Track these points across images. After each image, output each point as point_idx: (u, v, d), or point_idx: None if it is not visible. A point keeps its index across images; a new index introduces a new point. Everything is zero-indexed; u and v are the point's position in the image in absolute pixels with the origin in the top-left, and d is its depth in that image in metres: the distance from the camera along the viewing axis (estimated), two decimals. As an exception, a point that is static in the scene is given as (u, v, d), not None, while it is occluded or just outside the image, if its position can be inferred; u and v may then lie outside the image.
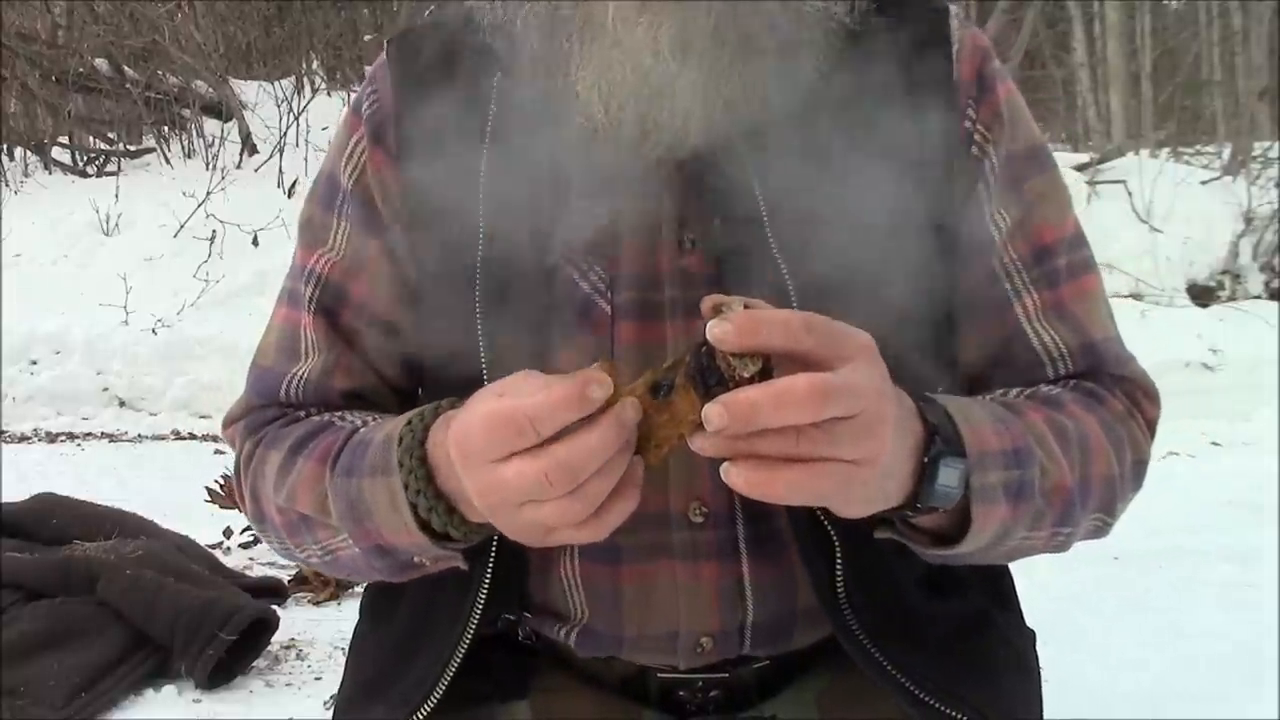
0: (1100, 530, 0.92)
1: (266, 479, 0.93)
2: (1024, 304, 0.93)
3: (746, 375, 0.65)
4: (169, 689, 2.45)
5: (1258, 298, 6.22)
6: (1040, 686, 0.98)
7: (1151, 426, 0.97)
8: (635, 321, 0.88)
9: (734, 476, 0.66)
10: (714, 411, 0.64)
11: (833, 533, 0.86)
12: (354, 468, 0.85)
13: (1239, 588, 2.94)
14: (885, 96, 0.89)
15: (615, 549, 0.88)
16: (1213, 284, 6.30)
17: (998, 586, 1.00)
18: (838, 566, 0.86)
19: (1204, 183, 6.86)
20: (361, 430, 0.89)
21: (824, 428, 0.66)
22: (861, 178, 0.86)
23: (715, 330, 0.65)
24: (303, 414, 0.97)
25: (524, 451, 0.69)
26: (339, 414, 0.96)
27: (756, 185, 0.87)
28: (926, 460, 0.76)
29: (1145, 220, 6.38)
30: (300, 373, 0.97)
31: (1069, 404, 0.91)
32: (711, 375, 0.65)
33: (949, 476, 0.76)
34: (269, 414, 0.99)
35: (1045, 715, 0.97)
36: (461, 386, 0.84)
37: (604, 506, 0.71)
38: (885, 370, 0.71)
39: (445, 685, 0.90)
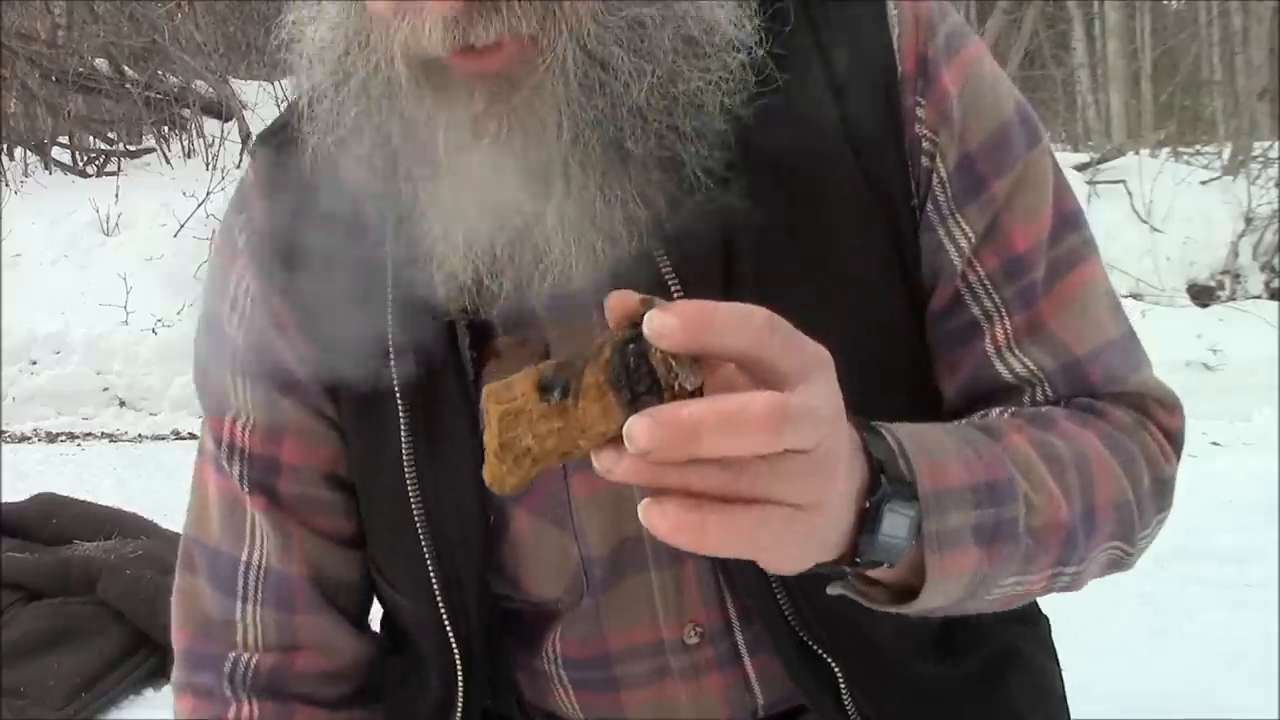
0: (1120, 563, 0.82)
1: None
2: (994, 333, 0.80)
3: (689, 387, 0.51)
4: (169, 689, 2.45)
5: (1258, 298, 6.21)
6: (1067, 709, 0.93)
7: (1172, 437, 0.85)
8: None
9: (654, 517, 0.51)
10: (642, 427, 0.49)
11: (832, 662, 0.80)
12: None
13: (1239, 588, 2.94)
14: (819, 126, 0.76)
15: (613, 679, 0.85)
16: (1213, 284, 6.30)
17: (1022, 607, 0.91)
18: (842, 690, 0.80)
19: (1204, 183, 6.85)
20: None
21: (770, 460, 0.52)
22: (807, 224, 0.76)
23: (656, 322, 0.50)
24: None
25: None
26: None
27: (671, 255, 0.75)
28: (868, 505, 0.62)
29: (1145, 220, 6.37)
30: (255, 561, 0.88)
31: (1060, 420, 0.79)
32: (640, 380, 0.51)
33: (895, 525, 0.63)
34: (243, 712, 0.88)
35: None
36: (394, 525, 0.80)
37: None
38: (840, 393, 0.57)
39: None
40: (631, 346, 0.51)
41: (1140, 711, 2.23)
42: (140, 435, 5.12)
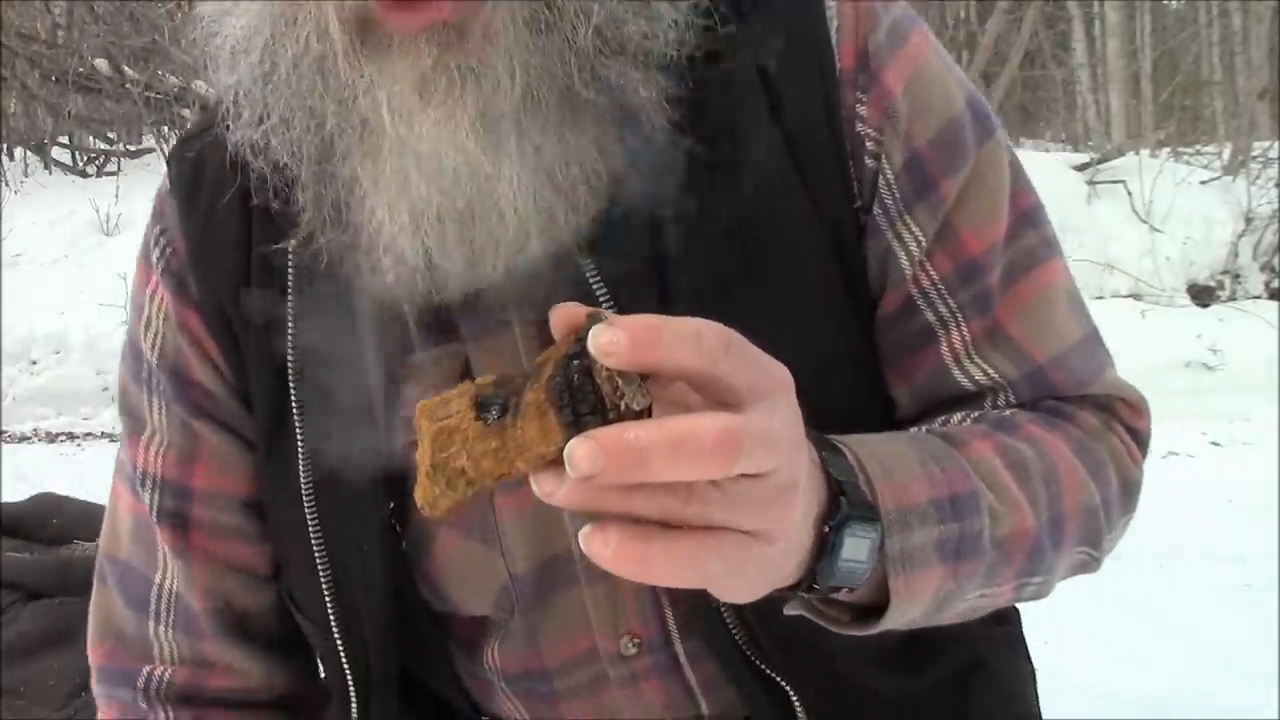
0: (1087, 565, 0.79)
1: None
2: (950, 340, 0.76)
3: (635, 408, 0.47)
4: (169, 689, 2.46)
5: (1258, 298, 6.21)
6: (1038, 711, 0.91)
7: (1139, 438, 0.82)
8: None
9: (597, 545, 0.48)
10: (584, 451, 0.45)
11: (784, 683, 0.76)
12: None
13: (1239, 588, 2.94)
14: (753, 126, 0.72)
15: (551, 691, 0.81)
16: (1213, 284, 6.30)
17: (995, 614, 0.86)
18: (797, 712, 0.76)
19: (1204, 183, 6.85)
20: None
21: (722, 485, 0.49)
22: (745, 231, 0.72)
23: (602, 337, 0.46)
24: None
25: None
26: None
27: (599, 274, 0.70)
28: (828, 530, 0.59)
29: (1145, 220, 6.37)
30: (165, 584, 0.87)
31: (1026, 425, 0.76)
32: (584, 399, 0.47)
33: (855, 549, 0.60)
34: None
35: (1046, 716, 0.96)
36: (295, 553, 0.78)
37: None
38: (800, 415, 0.54)
39: None
40: (576, 363, 0.47)
41: (1140, 711, 2.24)
42: (140, 435, 5.13)
